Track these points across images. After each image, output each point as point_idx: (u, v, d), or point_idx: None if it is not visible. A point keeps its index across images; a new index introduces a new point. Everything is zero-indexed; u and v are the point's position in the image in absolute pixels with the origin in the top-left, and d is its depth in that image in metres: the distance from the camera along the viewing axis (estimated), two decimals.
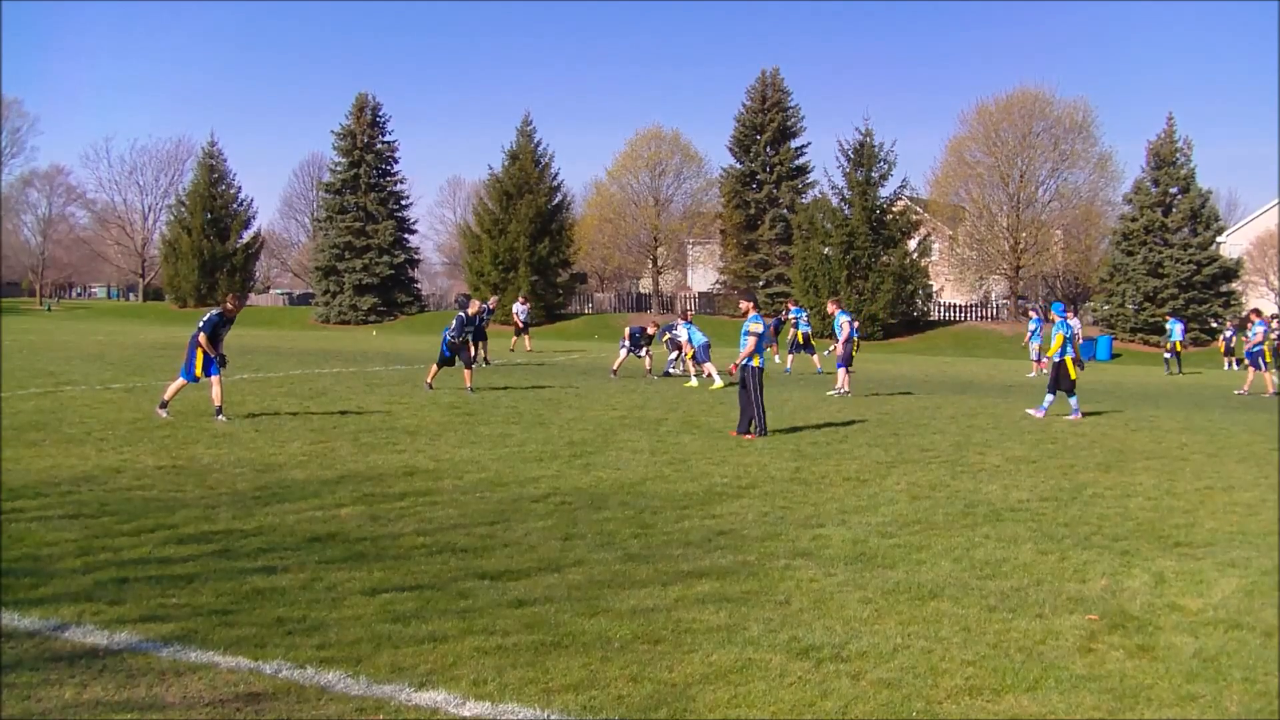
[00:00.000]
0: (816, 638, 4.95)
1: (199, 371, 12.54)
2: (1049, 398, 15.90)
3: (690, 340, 21.33)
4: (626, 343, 22.20)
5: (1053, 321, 16.27)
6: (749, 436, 12.20)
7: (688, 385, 19.70)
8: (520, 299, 35.37)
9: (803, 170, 54.16)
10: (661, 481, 9.12)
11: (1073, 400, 15.77)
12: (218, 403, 12.51)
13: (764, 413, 12.46)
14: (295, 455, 10.01)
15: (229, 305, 12.95)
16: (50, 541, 6.36)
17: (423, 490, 8.39)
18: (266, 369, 21.32)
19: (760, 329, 12.75)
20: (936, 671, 4.57)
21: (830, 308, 21.44)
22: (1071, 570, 6.41)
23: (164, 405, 12.66)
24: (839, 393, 18.48)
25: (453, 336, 17.35)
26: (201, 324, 12.65)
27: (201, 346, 12.49)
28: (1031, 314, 31.27)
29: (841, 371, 18.79)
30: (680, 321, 22.12)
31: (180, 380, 12.76)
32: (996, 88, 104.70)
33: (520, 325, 32.49)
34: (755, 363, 12.56)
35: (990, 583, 6.05)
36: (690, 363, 21.19)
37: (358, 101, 58.36)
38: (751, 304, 13.27)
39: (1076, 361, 15.84)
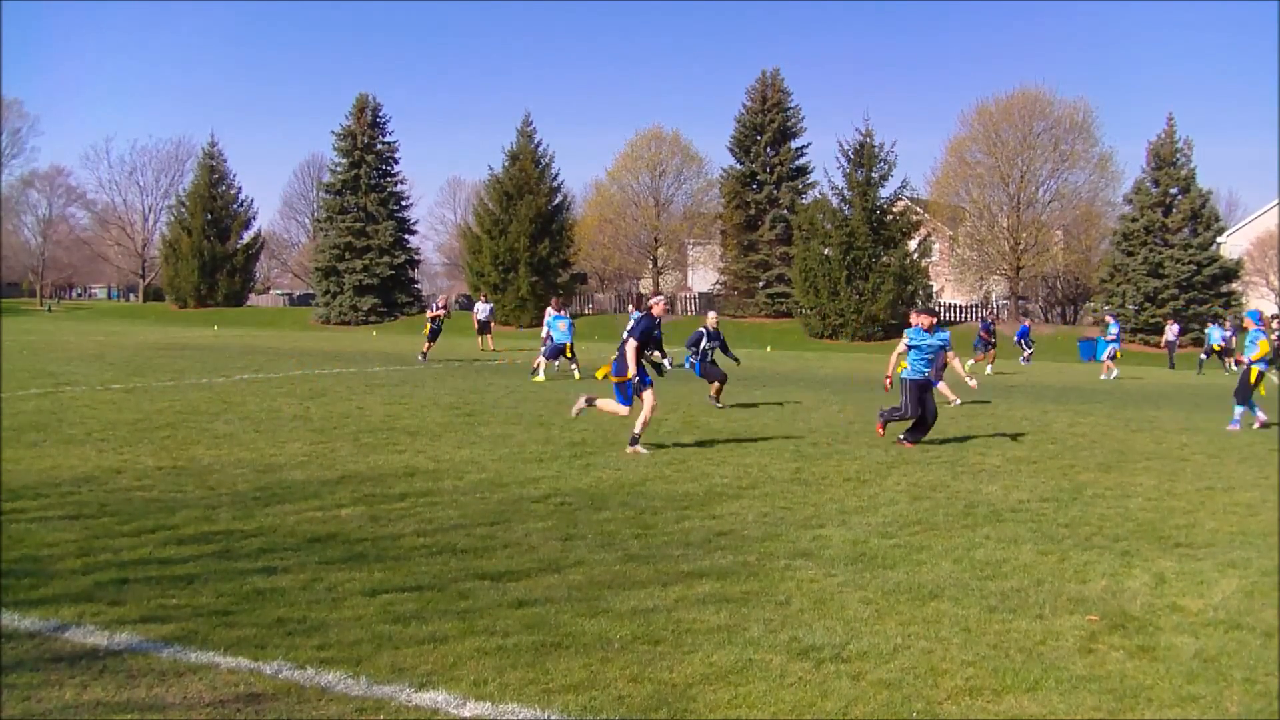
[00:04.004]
0: (817, 638, 4.95)
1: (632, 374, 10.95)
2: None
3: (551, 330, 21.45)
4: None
5: (1246, 329, 15.48)
6: (882, 431, 12.12)
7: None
8: (482, 298, 36.65)
9: (803, 171, 54.15)
10: (662, 482, 9.12)
11: (1238, 410, 14.98)
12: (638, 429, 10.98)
13: (923, 421, 11.90)
14: (295, 456, 10.01)
15: (654, 308, 11.50)
16: (50, 542, 6.36)
17: (423, 491, 8.38)
18: (266, 369, 21.33)
19: (924, 342, 11.93)
20: (937, 672, 4.57)
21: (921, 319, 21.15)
22: (1072, 571, 6.41)
23: (635, 443, 10.83)
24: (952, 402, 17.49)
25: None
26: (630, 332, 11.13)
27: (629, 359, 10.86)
28: (1109, 319, 31.02)
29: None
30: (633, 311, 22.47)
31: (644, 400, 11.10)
32: (996, 88, 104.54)
33: (478, 324, 32.85)
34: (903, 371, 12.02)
35: (990, 583, 6.05)
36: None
37: (358, 102, 58.38)
38: (931, 317, 12.20)
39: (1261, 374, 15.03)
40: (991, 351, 29.17)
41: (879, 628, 5.16)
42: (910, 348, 11.95)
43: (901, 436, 11.98)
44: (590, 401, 11.28)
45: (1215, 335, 33.97)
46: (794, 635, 4.98)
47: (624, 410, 11.19)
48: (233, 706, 4.00)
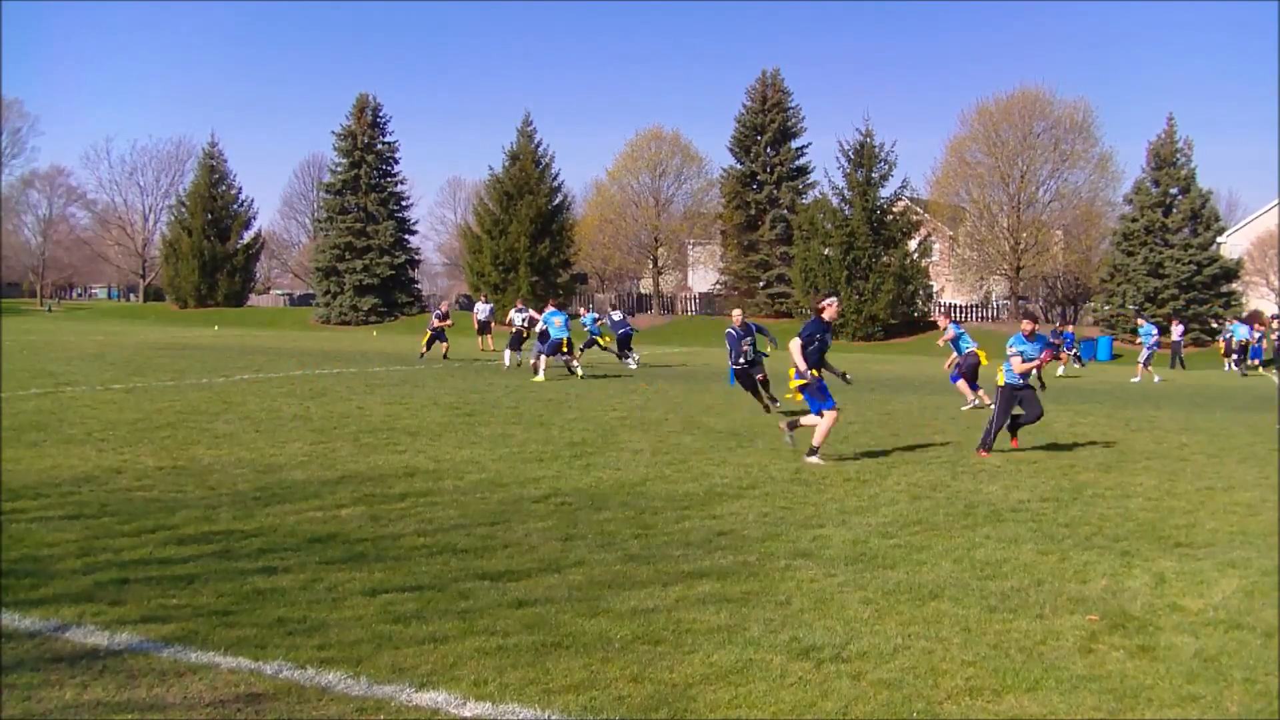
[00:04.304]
0: (817, 638, 4.94)
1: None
2: None
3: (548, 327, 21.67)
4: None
5: None
6: (985, 454, 11.44)
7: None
8: (482, 298, 37.26)
9: (803, 171, 54.24)
10: (662, 482, 9.12)
11: None
12: (816, 442, 10.63)
13: (997, 428, 11.69)
14: (296, 456, 10.01)
15: (825, 311, 10.98)
16: (51, 542, 6.36)
17: (423, 491, 8.38)
18: (267, 369, 21.34)
19: (1024, 348, 11.74)
20: (937, 672, 4.57)
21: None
22: (1072, 571, 6.41)
23: (813, 452, 10.57)
24: (973, 405, 17.25)
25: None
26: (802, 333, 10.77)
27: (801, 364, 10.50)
28: (1140, 321, 30.67)
29: (960, 384, 17.66)
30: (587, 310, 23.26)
31: (827, 413, 10.68)
32: (997, 88, 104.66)
33: (478, 324, 32.99)
34: (1004, 379, 11.87)
35: (991, 583, 6.05)
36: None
37: (358, 102, 58.43)
38: (1032, 322, 12.03)
39: None
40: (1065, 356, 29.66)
41: (879, 628, 5.16)
42: (1013, 353, 11.77)
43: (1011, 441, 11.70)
44: (794, 425, 11.12)
45: (1241, 332, 33.74)
46: (794, 635, 4.98)
47: (825, 418, 10.74)
48: (233, 706, 4.00)
